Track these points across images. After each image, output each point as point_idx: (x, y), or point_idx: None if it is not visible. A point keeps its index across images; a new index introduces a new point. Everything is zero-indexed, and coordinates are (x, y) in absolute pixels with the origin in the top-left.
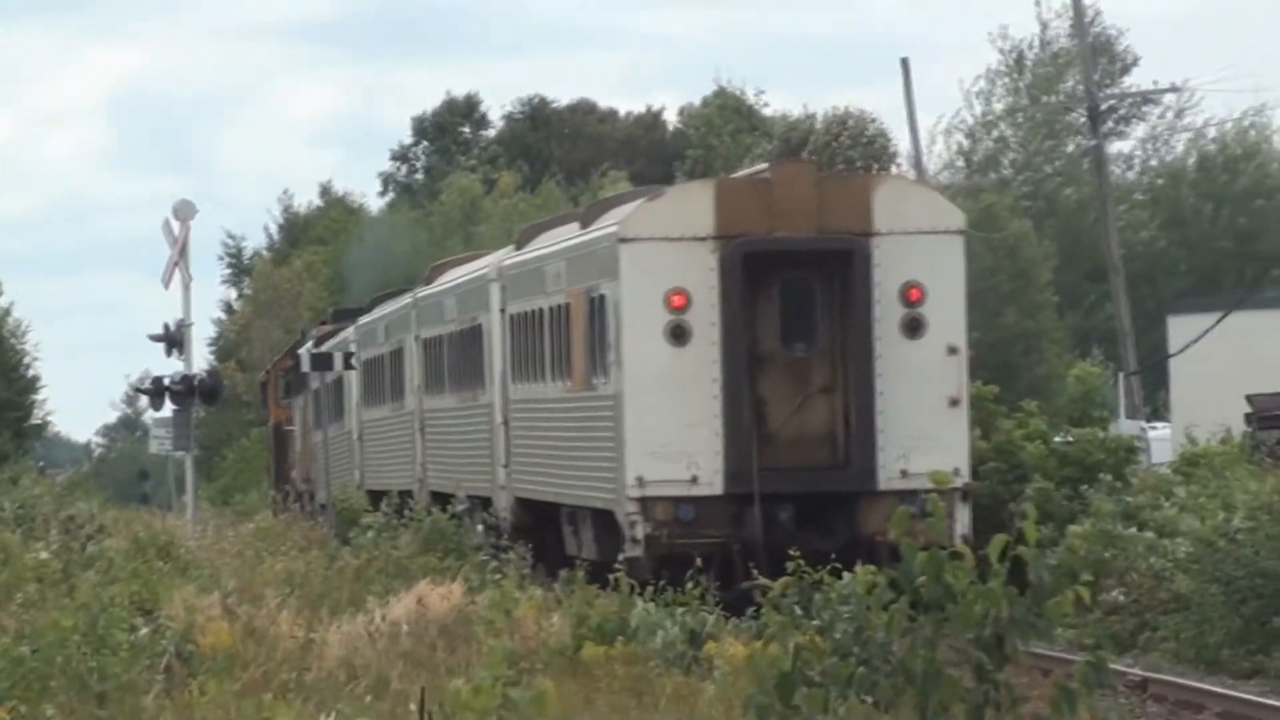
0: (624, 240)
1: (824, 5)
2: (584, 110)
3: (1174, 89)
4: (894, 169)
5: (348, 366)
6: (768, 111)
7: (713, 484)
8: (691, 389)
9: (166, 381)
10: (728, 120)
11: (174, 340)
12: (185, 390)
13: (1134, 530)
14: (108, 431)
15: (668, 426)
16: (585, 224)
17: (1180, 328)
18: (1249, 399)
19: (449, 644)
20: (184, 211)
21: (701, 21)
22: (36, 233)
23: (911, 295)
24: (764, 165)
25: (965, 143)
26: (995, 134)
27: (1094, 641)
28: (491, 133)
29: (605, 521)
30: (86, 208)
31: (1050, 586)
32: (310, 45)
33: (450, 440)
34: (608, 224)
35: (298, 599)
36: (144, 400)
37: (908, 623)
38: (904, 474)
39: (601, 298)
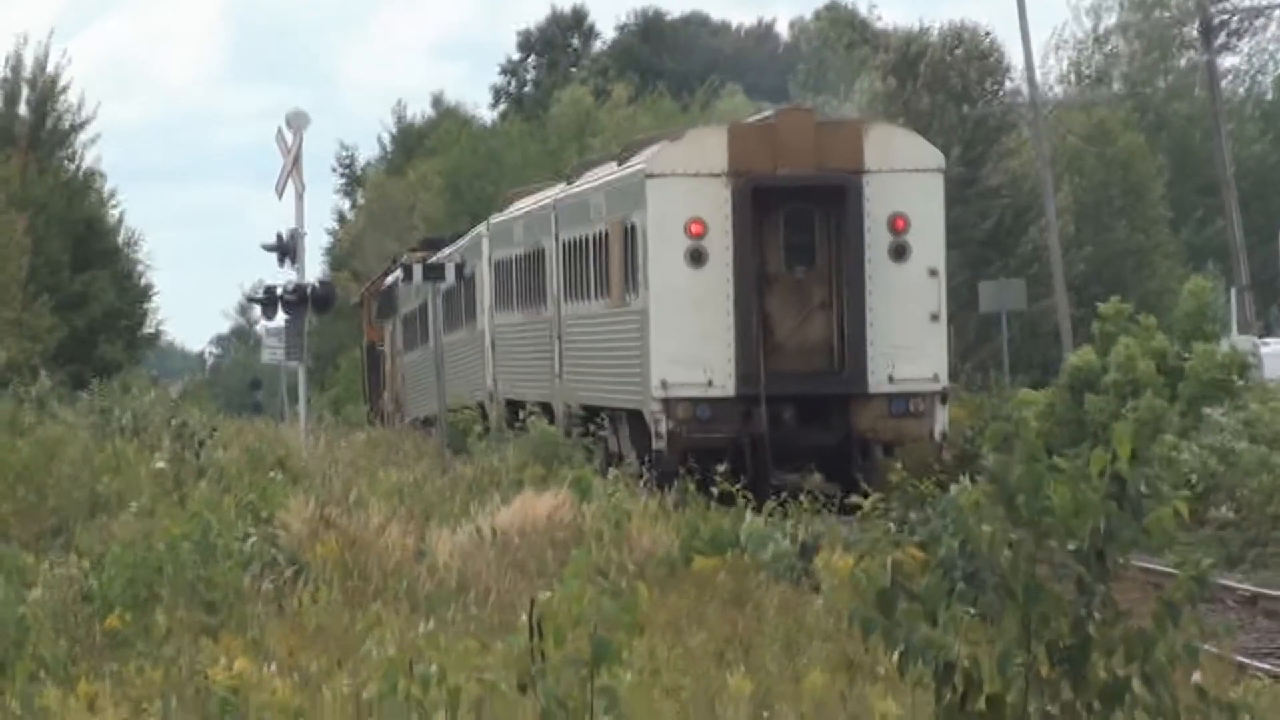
0: (650, 176)
1: None
2: (696, 23)
3: None
4: (1007, 83)
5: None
6: (880, 25)
7: (726, 387)
8: (708, 305)
9: (279, 290)
10: (840, 34)
11: (287, 249)
12: (298, 299)
13: (1246, 445)
14: (220, 341)
15: (687, 337)
16: (621, 163)
17: None
18: None
19: (558, 555)
20: (297, 121)
21: None
22: (151, 142)
23: (897, 225)
24: (769, 111)
25: (1075, 57)
26: (1107, 48)
27: (1197, 556)
28: (601, 45)
29: (637, 421)
30: (201, 118)
31: (1144, 499)
32: None
33: (517, 352)
34: (637, 163)
35: (408, 509)
36: (257, 310)
37: (1008, 537)
38: (891, 379)
39: (633, 226)
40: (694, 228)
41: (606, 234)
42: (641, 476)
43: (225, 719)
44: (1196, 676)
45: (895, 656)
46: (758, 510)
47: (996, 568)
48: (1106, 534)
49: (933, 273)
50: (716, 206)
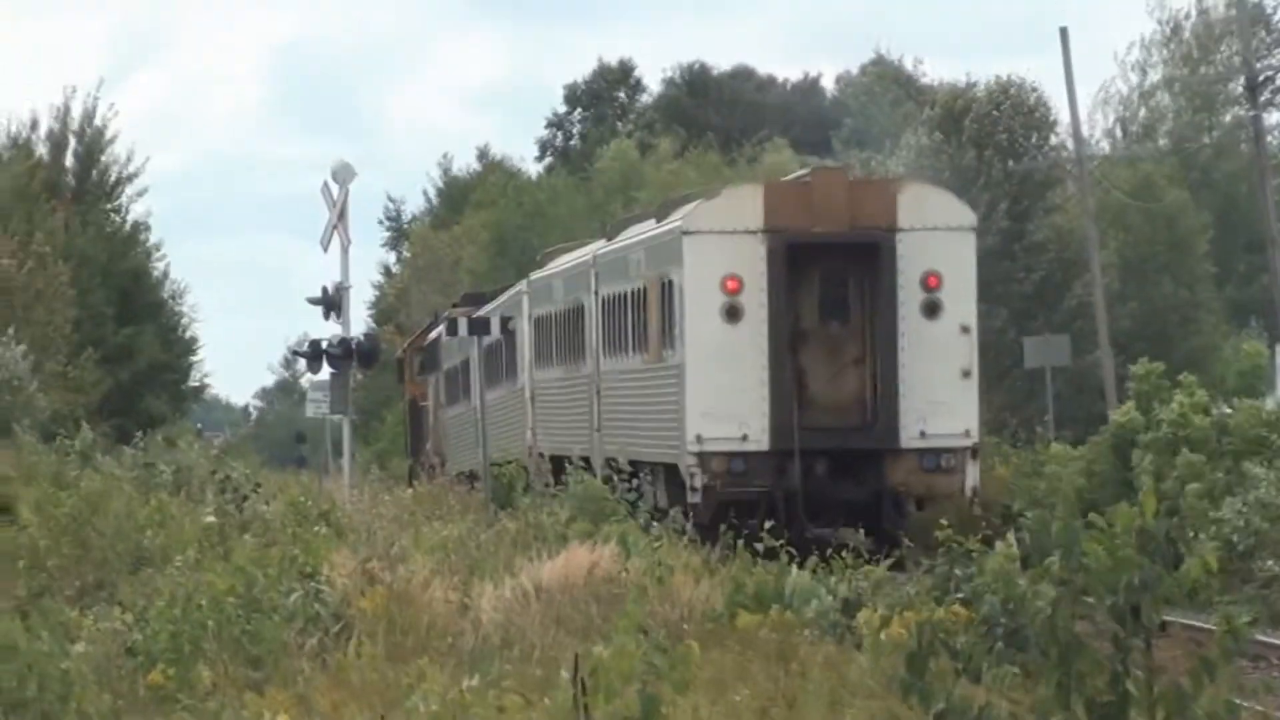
0: (686, 233)
1: None
2: (742, 77)
3: None
4: (1053, 138)
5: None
6: (926, 81)
7: (760, 441)
8: (743, 360)
9: (324, 344)
10: (886, 89)
11: (332, 303)
12: (343, 353)
13: None
14: (265, 394)
15: (722, 392)
16: (659, 219)
17: None
18: None
19: (602, 610)
20: (343, 175)
21: None
22: (195, 192)
23: (930, 282)
24: (805, 170)
25: (1120, 112)
26: (1151, 103)
27: (1235, 612)
28: (647, 98)
29: (674, 474)
30: (245, 168)
31: (1174, 552)
32: (468, 8)
33: (557, 407)
34: (674, 220)
35: (452, 564)
36: (302, 363)
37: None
38: (923, 434)
39: (670, 282)
40: (730, 284)
41: (645, 290)
42: (681, 530)
43: None
44: None
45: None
46: (796, 563)
47: (1035, 625)
48: (1140, 587)
49: (965, 329)
50: (752, 263)
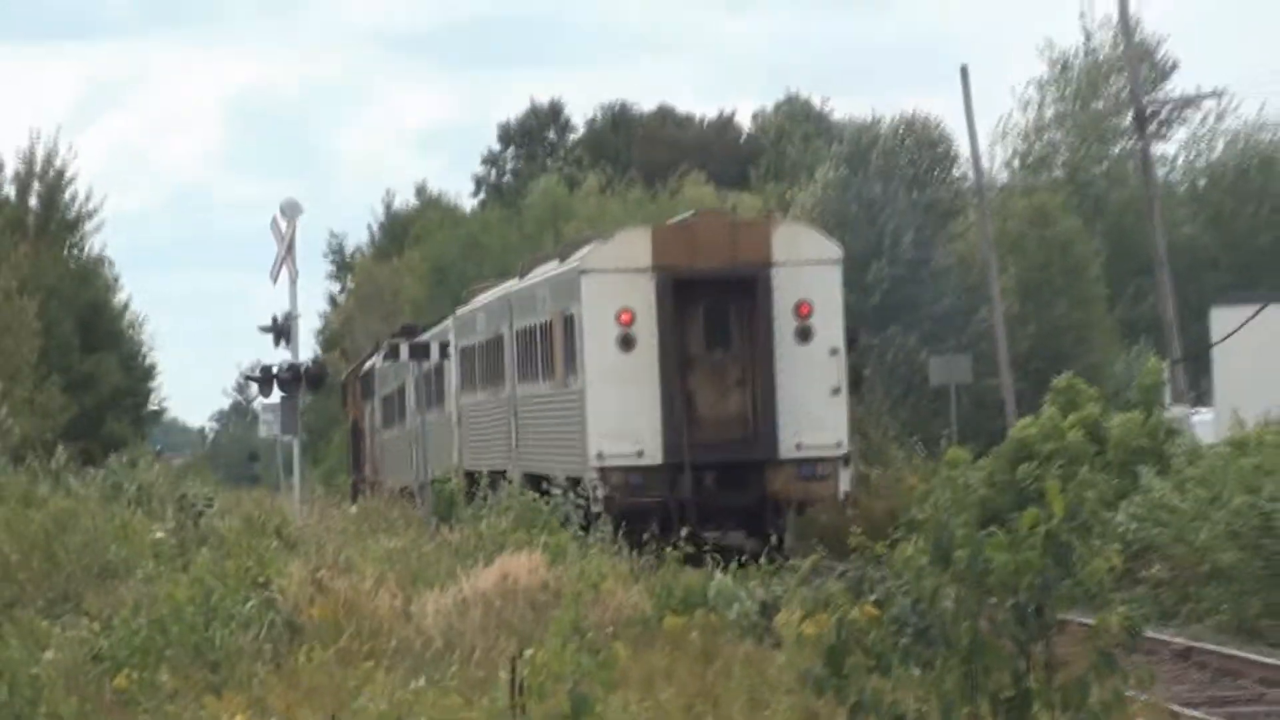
0: (584, 272)
1: (885, 14)
2: (662, 115)
3: (1215, 94)
4: (955, 170)
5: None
6: (835, 117)
7: (654, 456)
8: (637, 384)
9: (275, 370)
10: (797, 125)
11: (282, 331)
12: (292, 378)
13: (1180, 504)
14: (220, 417)
15: (620, 413)
16: (561, 260)
17: (1222, 319)
18: None
19: (538, 615)
20: (291, 211)
21: (771, 30)
22: (155, 229)
23: (802, 310)
24: (690, 213)
25: (1019, 145)
26: (1046, 137)
27: (1129, 609)
28: (574, 136)
29: (578, 487)
30: (201, 206)
31: (1075, 551)
32: (407, 57)
33: (481, 427)
34: (573, 260)
35: (397, 573)
36: (254, 387)
37: (952, 594)
38: (799, 446)
39: (571, 315)
40: (624, 317)
41: (550, 323)
42: (586, 534)
43: None
44: None
45: (847, 711)
46: (690, 565)
47: (941, 624)
48: (1043, 589)
49: (833, 351)
50: (643, 298)
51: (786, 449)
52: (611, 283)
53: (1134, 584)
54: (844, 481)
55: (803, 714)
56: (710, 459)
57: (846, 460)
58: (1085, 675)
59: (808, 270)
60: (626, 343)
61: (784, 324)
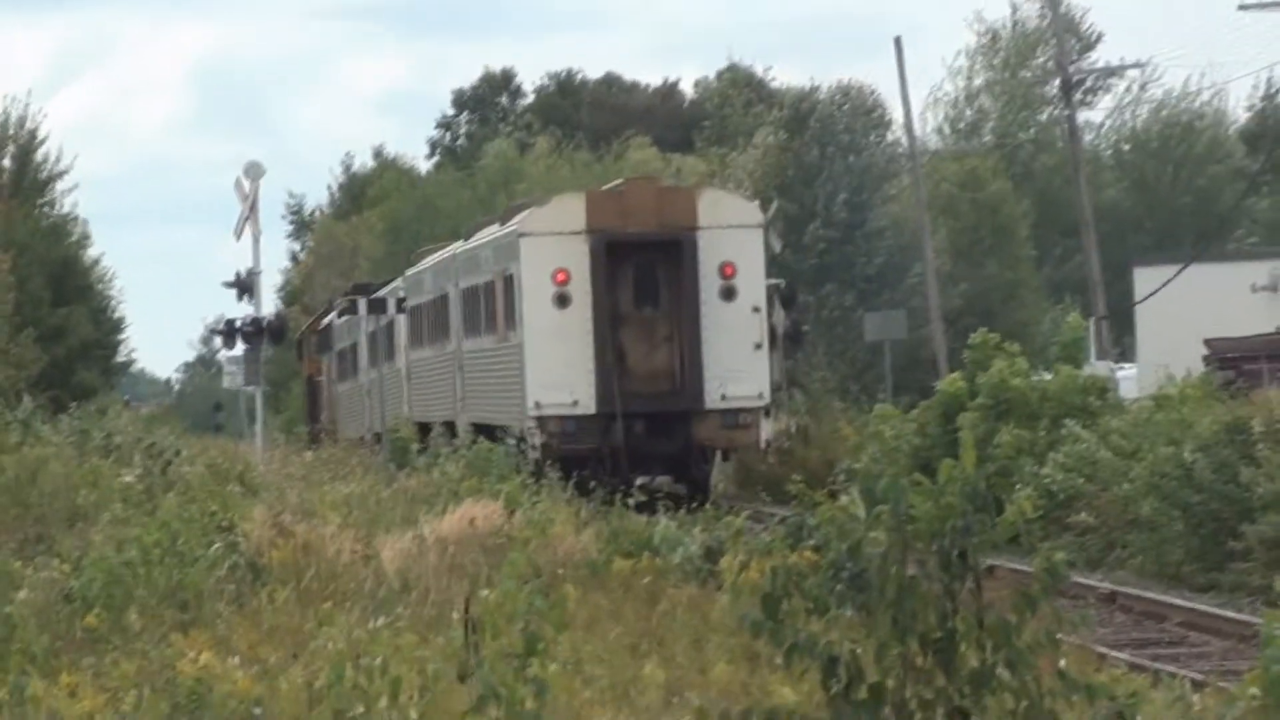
0: (522, 235)
1: None
2: (610, 82)
3: (1138, 65)
4: (889, 135)
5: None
6: (775, 84)
7: (588, 406)
8: (572, 340)
9: (238, 323)
10: (739, 93)
11: (245, 286)
12: (255, 331)
13: (1106, 455)
14: (186, 368)
15: (555, 366)
16: (503, 223)
17: (1145, 278)
18: (1207, 342)
19: (490, 559)
20: (254, 172)
21: (715, 1)
22: (124, 190)
23: (726, 271)
24: (620, 180)
25: (950, 112)
26: (976, 104)
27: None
28: (526, 103)
29: (513, 435)
30: (168, 167)
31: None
32: (368, 23)
33: (429, 380)
34: (513, 224)
35: (356, 518)
36: (218, 340)
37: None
38: (723, 397)
39: (511, 275)
40: (559, 276)
41: (493, 282)
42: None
43: (192, 706)
44: (1061, 664)
45: (782, 653)
46: (618, 505)
47: (872, 569)
48: (964, 532)
49: (755, 309)
50: (578, 259)
51: (712, 400)
52: (548, 245)
53: (1062, 531)
54: (765, 430)
55: (743, 653)
56: (640, 409)
57: (767, 411)
58: (1009, 616)
59: (731, 233)
60: (562, 300)
61: (709, 284)
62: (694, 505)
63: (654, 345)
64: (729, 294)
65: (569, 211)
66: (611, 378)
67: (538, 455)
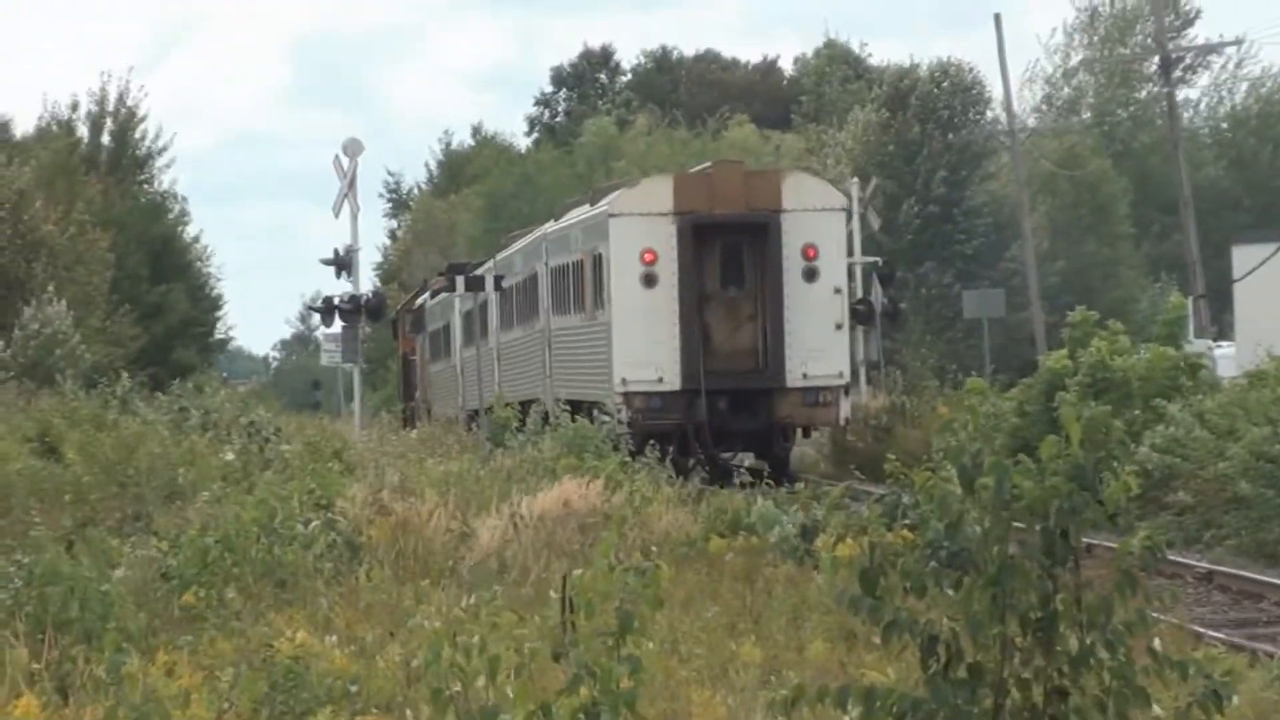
0: (612, 216)
1: None
2: (708, 59)
3: (1236, 42)
4: (988, 113)
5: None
6: (872, 61)
7: (673, 383)
8: (658, 318)
9: (336, 301)
10: (837, 69)
11: (343, 264)
12: (353, 309)
13: (1202, 434)
14: (284, 345)
15: (642, 343)
16: (592, 204)
17: (1243, 256)
18: None
19: (587, 537)
20: (353, 149)
21: None
22: (222, 164)
23: (809, 253)
24: (707, 163)
25: (1046, 90)
26: (1074, 82)
27: (1152, 533)
28: (625, 80)
29: (605, 410)
30: (267, 143)
31: (1098, 479)
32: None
33: (520, 359)
34: (603, 205)
35: (453, 496)
36: (316, 317)
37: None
38: (805, 376)
39: (600, 255)
40: (647, 256)
41: (581, 262)
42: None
43: (289, 685)
44: (1156, 643)
45: (880, 630)
46: (707, 481)
47: (971, 548)
48: (1068, 512)
49: (837, 290)
50: (665, 240)
51: (793, 378)
52: (636, 225)
53: (1159, 511)
54: (844, 408)
55: (839, 631)
56: (724, 386)
57: (847, 390)
58: (1109, 596)
59: (814, 216)
60: (649, 280)
61: (792, 265)
62: (772, 481)
63: (738, 324)
64: (811, 275)
65: (657, 193)
66: (696, 355)
67: (624, 430)
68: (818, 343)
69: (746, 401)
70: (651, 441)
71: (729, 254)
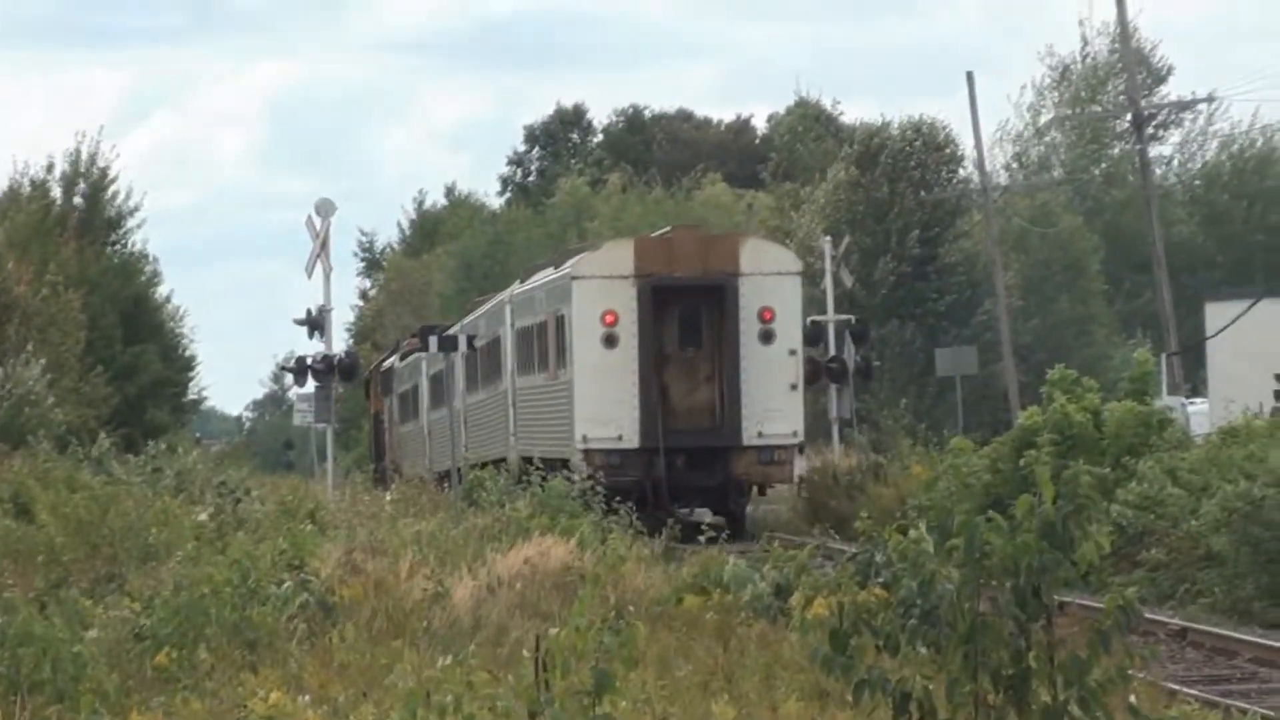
0: (574, 278)
1: (895, 22)
2: (681, 118)
3: (1209, 99)
4: (960, 171)
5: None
6: (845, 119)
7: (632, 441)
8: (618, 377)
9: (309, 361)
10: (809, 128)
11: (316, 324)
12: (326, 369)
13: (1175, 490)
14: (257, 405)
15: (602, 402)
16: (556, 267)
17: (1216, 313)
18: (1278, 377)
19: (561, 596)
20: (325, 209)
21: (787, 35)
22: (196, 224)
23: (765, 315)
24: (667, 228)
25: (1018, 148)
26: (1046, 139)
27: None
28: (598, 140)
29: (566, 467)
30: (240, 202)
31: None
32: (440, 62)
33: (485, 419)
34: (566, 268)
35: (426, 556)
36: (289, 377)
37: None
38: (760, 435)
39: (562, 316)
40: (608, 318)
41: (545, 323)
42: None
43: None
44: (1133, 699)
45: (852, 690)
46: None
47: (944, 605)
48: (1040, 570)
49: (792, 352)
50: (625, 301)
51: (749, 437)
52: (598, 288)
53: (1132, 567)
54: (798, 466)
55: (813, 690)
56: (681, 444)
57: (801, 448)
58: (1085, 654)
59: (770, 280)
60: (610, 341)
61: (749, 327)
62: (728, 537)
63: (695, 384)
64: (767, 337)
65: (618, 256)
66: (655, 414)
67: (589, 486)
68: (773, 403)
69: (703, 459)
70: (618, 499)
71: (687, 315)
